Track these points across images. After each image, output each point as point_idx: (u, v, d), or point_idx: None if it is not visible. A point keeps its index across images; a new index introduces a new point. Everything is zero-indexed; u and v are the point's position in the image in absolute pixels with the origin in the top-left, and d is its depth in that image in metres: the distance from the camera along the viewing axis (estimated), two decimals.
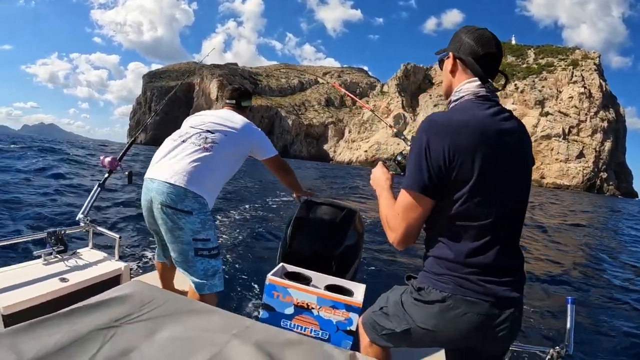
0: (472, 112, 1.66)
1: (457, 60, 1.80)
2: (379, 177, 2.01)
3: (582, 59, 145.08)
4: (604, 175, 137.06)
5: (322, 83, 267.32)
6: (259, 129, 3.15)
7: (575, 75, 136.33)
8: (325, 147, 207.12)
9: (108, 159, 3.53)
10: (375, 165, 2.13)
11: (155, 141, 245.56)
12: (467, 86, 1.76)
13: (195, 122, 2.98)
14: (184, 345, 1.36)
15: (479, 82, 1.74)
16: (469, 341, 1.69)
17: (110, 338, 1.31)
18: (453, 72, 1.83)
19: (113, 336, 1.32)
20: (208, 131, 2.87)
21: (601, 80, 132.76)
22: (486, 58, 1.76)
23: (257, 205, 13.08)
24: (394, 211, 1.70)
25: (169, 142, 2.91)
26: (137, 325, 1.43)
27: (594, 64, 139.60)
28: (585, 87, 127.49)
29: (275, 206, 13.52)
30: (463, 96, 1.75)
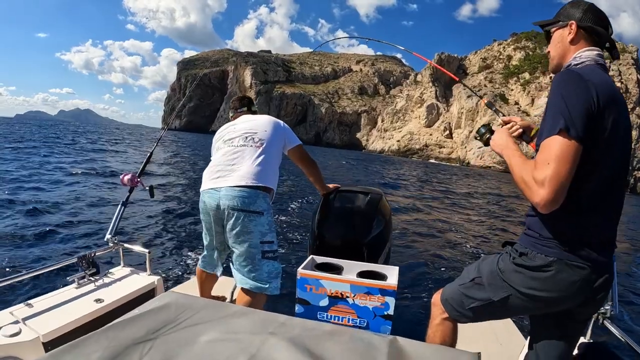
0: (603, 76, 1.66)
1: (580, 30, 1.80)
2: (505, 139, 1.96)
3: (620, 52, 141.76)
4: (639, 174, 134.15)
5: (356, 71, 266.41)
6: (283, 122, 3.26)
7: (612, 70, 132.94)
8: (358, 135, 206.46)
9: (128, 177, 3.58)
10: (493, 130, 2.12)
11: (190, 126, 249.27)
12: (587, 53, 1.77)
13: (235, 129, 3.10)
14: (222, 349, 1.37)
15: (598, 51, 1.78)
16: (567, 304, 1.72)
17: (148, 351, 1.33)
18: (573, 40, 1.82)
19: (151, 348, 1.34)
20: (250, 132, 3.00)
21: (639, 75, 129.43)
22: (606, 29, 1.83)
23: (283, 201, 13.06)
24: (541, 162, 1.55)
25: (220, 153, 3.02)
26: (174, 335, 1.45)
27: (632, 58, 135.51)
28: (622, 82, 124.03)
29: (300, 199, 13.53)
30: (584, 61, 1.75)
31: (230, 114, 3.43)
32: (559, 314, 1.80)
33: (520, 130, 2.14)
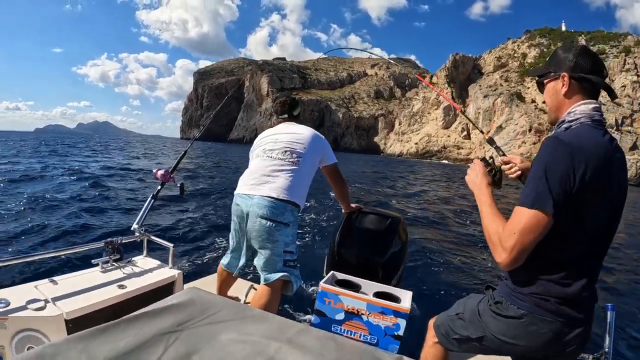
0: (594, 138, 1.64)
1: (573, 81, 1.76)
2: (479, 179, 1.98)
3: (635, 45, 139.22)
4: None
5: (371, 75, 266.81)
6: (323, 137, 3.36)
7: (628, 63, 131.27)
8: (376, 139, 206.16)
9: (161, 172, 3.70)
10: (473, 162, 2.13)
11: (209, 135, 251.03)
12: (582, 108, 1.73)
13: (276, 140, 3.22)
14: (242, 349, 1.41)
15: (594, 105, 1.73)
16: (538, 354, 1.76)
17: (173, 342, 1.37)
18: (567, 93, 1.78)
19: (176, 340, 1.39)
20: (290, 147, 3.12)
21: None
22: (602, 78, 1.77)
23: (305, 214, 13.08)
24: (508, 230, 1.63)
25: (258, 162, 3.17)
26: (198, 330, 1.50)
27: None
28: (638, 75, 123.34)
29: (321, 215, 13.50)
30: (579, 118, 1.71)
31: (273, 118, 3.56)
32: (534, 358, 1.84)
33: (519, 172, 2.17)
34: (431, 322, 2.26)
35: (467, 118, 3.32)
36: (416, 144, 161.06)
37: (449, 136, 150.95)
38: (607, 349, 2.28)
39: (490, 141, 2.50)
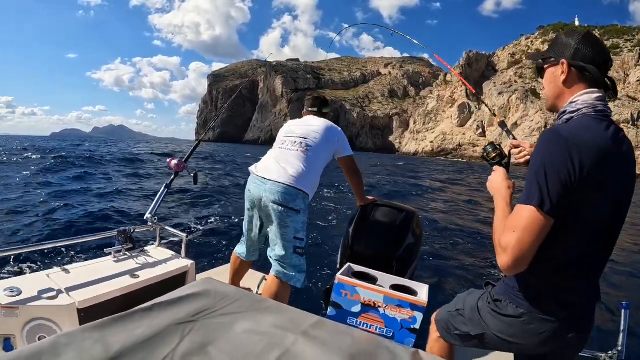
0: (596, 130, 1.56)
1: (573, 69, 1.67)
2: (500, 183, 1.90)
3: None
4: None
5: (385, 74, 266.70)
6: (340, 129, 3.41)
7: None
8: (391, 138, 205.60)
9: (175, 161, 3.68)
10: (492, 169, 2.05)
11: (224, 137, 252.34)
12: (584, 98, 1.64)
13: (290, 131, 3.33)
14: (257, 340, 1.40)
15: (598, 94, 1.64)
16: (536, 351, 1.76)
17: (189, 332, 1.38)
18: (566, 81, 1.69)
19: (192, 330, 1.39)
20: (302, 137, 3.20)
21: None
22: (604, 67, 1.68)
23: (315, 205, 13.11)
24: (508, 228, 1.57)
25: (275, 149, 3.28)
26: (214, 320, 1.50)
27: None
28: None
29: (336, 205, 13.57)
30: (580, 109, 1.62)
31: (303, 110, 3.61)
32: (539, 356, 1.83)
33: (528, 157, 2.05)
34: (434, 316, 2.26)
35: (480, 99, 3.42)
36: (431, 142, 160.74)
37: (464, 134, 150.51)
38: (620, 348, 2.29)
39: (502, 124, 2.55)
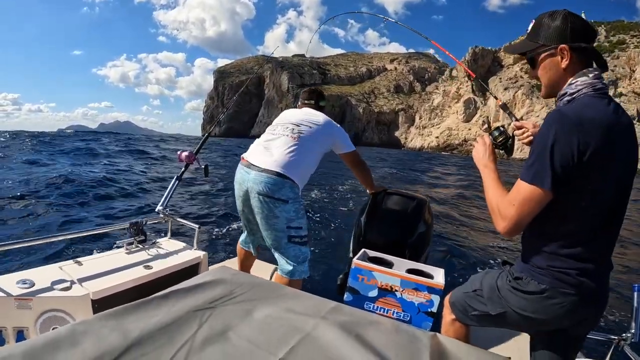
0: (598, 108, 1.57)
1: (572, 52, 1.65)
2: (481, 154, 1.99)
3: None
4: None
5: (391, 70, 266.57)
6: (339, 126, 3.30)
7: None
8: (397, 133, 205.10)
9: (185, 154, 3.68)
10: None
11: (230, 132, 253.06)
12: (583, 78, 1.64)
13: (283, 118, 3.22)
14: (277, 326, 1.41)
15: (594, 72, 1.65)
16: (558, 325, 1.78)
17: (207, 318, 1.39)
18: (569, 65, 1.67)
19: (210, 317, 1.40)
20: (294, 124, 3.07)
21: None
22: (593, 40, 1.70)
23: (323, 194, 13.46)
24: (508, 200, 1.66)
25: (264, 136, 3.14)
26: (232, 307, 1.51)
27: None
28: None
29: (341, 196, 13.71)
30: (580, 89, 1.63)
31: (299, 102, 3.49)
32: (557, 331, 1.85)
33: (531, 137, 2.10)
34: (447, 299, 2.25)
35: (483, 84, 3.52)
36: (437, 137, 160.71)
37: (469, 129, 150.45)
38: (633, 331, 2.31)
39: (504, 107, 2.54)
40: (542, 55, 1.75)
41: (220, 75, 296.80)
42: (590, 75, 1.64)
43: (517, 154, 2.03)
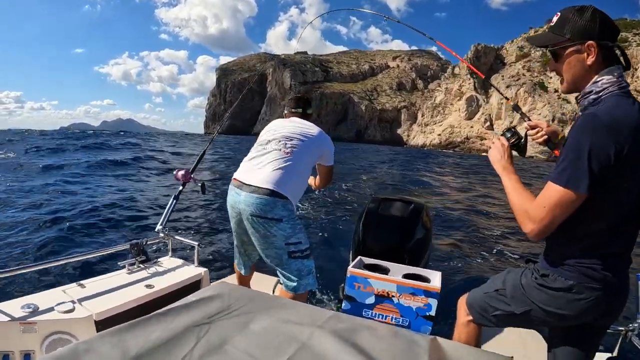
0: (626, 108, 1.58)
1: (599, 49, 1.63)
2: (499, 156, 2.01)
3: None
4: None
5: (393, 67, 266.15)
6: (329, 138, 3.25)
7: None
8: (399, 131, 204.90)
9: (181, 172, 3.67)
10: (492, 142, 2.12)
11: (232, 130, 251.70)
12: (608, 77, 1.64)
13: (273, 131, 3.11)
14: (273, 337, 1.42)
15: (618, 71, 1.65)
16: (583, 320, 1.79)
17: (205, 333, 1.40)
18: (594, 62, 1.65)
19: (208, 331, 1.42)
20: (286, 137, 3.00)
21: None
22: (618, 34, 1.69)
23: (321, 202, 13.03)
24: (538, 203, 1.66)
25: (254, 151, 3.06)
26: (229, 321, 1.52)
27: None
28: None
29: (339, 202, 13.42)
30: (606, 87, 1.63)
31: (285, 111, 3.42)
32: (576, 325, 1.86)
33: (546, 137, 2.14)
34: (462, 300, 2.28)
35: (491, 85, 3.51)
36: (439, 135, 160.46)
37: (471, 127, 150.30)
38: (639, 321, 2.32)
39: (516, 107, 2.54)
40: (569, 51, 1.72)
41: (223, 72, 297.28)
42: (615, 73, 1.64)
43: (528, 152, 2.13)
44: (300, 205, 11.06)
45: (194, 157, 4.15)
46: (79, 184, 14.20)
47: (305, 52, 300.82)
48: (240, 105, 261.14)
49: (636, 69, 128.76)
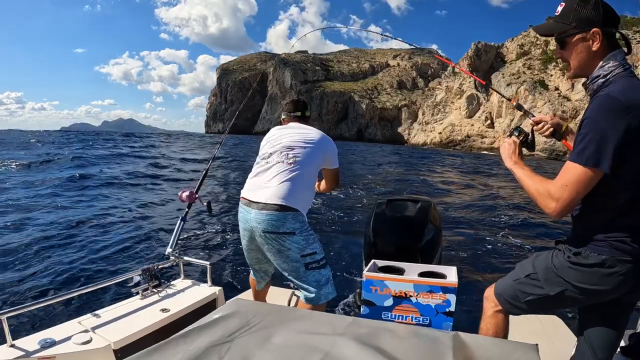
0: (636, 87, 1.66)
1: (604, 36, 1.73)
2: (509, 153, 2.09)
3: None
4: None
5: (394, 66, 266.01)
6: (332, 140, 3.20)
7: None
8: (400, 129, 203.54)
9: (186, 194, 3.65)
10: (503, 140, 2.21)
11: (233, 129, 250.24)
12: (612, 61, 1.74)
13: (274, 142, 3.07)
14: (296, 350, 1.41)
15: (621, 54, 1.76)
16: (616, 294, 1.82)
17: (226, 352, 1.38)
18: (600, 49, 1.75)
19: (229, 350, 1.39)
20: (287, 147, 2.96)
21: None
22: (619, 21, 1.77)
23: (333, 206, 12.94)
24: (559, 183, 1.71)
25: (256, 167, 3.05)
26: (249, 337, 1.50)
27: None
28: None
29: (349, 205, 13.37)
30: (613, 70, 1.72)
31: (283, 116, 3.38)
32: (611, 301, 1.88)
33: (552, 129, 2.20)
34: (489, 292, 2.27)
35: (494, 90, 3.68)
36: (440, 133, 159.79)
37: (472, 125, 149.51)
38: None
39: (519, 107, 2.62)
40: (575, 38, 1.81)
41: (224, 72, 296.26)
42: (619, 56, 1.75)
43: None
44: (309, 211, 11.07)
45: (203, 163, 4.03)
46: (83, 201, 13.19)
47: (306, 51, 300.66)
48: (242, 106, 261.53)
49: (636, 67, 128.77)
